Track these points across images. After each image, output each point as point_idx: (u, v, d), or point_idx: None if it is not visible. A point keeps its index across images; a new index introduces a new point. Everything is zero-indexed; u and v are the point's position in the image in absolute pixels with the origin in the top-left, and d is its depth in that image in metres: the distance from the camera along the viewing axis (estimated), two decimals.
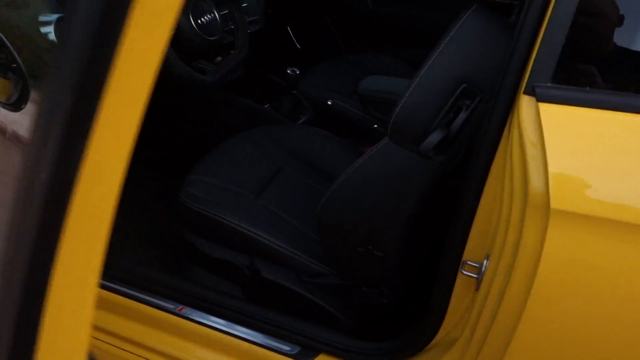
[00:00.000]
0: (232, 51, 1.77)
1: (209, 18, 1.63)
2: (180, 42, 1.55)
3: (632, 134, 0.78)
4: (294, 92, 2.03)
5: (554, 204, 0.77)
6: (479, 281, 1.03)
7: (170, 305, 1.50)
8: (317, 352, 1.36)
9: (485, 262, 1.01)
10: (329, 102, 2.03)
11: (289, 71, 1.99)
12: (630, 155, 0.78)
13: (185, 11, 1.57)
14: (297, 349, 1.38)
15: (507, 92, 0.90)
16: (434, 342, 1.20)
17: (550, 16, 0.84)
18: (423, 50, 2.58)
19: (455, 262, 1.08)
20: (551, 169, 0.78)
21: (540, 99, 0.81)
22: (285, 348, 1.39)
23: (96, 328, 1.54)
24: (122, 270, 1.56)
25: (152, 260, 1.83)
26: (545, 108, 0.80)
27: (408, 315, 1.52)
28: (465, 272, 1.05)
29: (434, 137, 1.10)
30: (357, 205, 1.26)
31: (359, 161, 1.24)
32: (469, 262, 1.05)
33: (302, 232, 1.54)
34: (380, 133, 1.99)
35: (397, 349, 1.25)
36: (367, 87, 1.89)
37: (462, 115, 1.09)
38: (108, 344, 1.53)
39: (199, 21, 1.60)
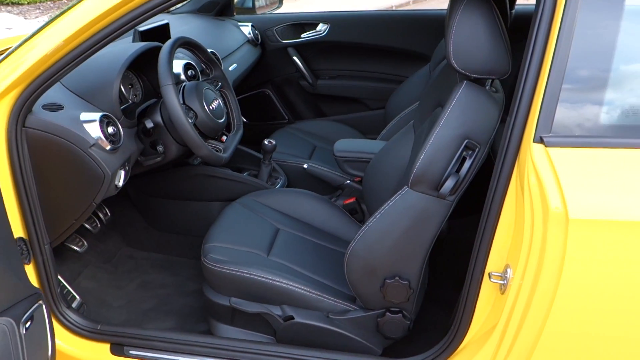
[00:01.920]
0: (231, 131, 2.02)
1: (216, 104, 1.86)
2: (197, 126, 1.76)
3: (620, 161, 1.16)
4: (270, 160, 2.29)
5: (571, 214, 1.12)
6: (504, 286, 1.35)
7: None
8: None
9: (508, 270, 1.33)
10: (305, 166, 2.31)
11: (266, 142, 2.24)
12: (619, 175, 1.16)
13: (199, 99, 1.80)
14: None
15: (516, 140, 1.26)
16: (462, 345, 1.49)
17: (547, 82, 1.21)
18: (365, 114, 3.01)
19: (480, 272, 1.39)
20: (565, 190, 1.13)
21: (548, 145, 1.17)
22: None
23: None
24: (159, 340, 1.68)
25: (174, 327, 1.94)
26: (553, 151, 1.16)
27: (425, 330, 1.80)
28: (493, 280, 1.36)
29: (450, 183, 1.42)
30: (384, 244, 1.54)
31: (382, 209, 1.53)
32: (493, 273, 1.37)
33: (316, 280, 1.77)
34: (352, 187, 2.32)
35: (431, 358, 1.52)
36: (341, 149, 2.20)
37: (467, 163, 1.43)
38: None
39: (211, 107, 1.83)
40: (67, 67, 1.40)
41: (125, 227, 2.39)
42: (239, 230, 1.93)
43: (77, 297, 1.96)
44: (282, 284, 1.69)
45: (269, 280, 1.69)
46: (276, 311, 1.71)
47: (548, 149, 1.18)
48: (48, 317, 1.45)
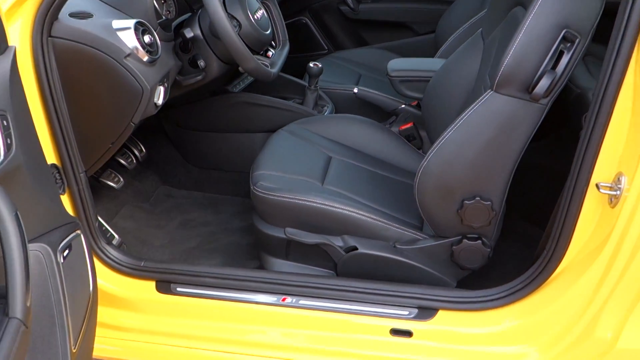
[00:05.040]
0: (276, 47, 1.81)
1: (260, 14, 1.65)
2: (241, 38, 1.56)
3: None
4: (317, 85, 2.08)
5: None
6: (616, 198, 1.14)
7: (271, 298, 1.48)
8: (435, 310, 1.41)
9: (622, 178, 1.12)
10: (355, 91, 2.10)
11: (311, 64, 2.03)
12: None
13: (243, 8, 1.59)
14: (414, 312, 1.42)
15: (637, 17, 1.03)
16: (557, 271, 1.30)
17: None
18: (413, 40, 2.76)
19: (585, 183, 1.18)
20: None
21: None
22: (404, 313, 1.42)
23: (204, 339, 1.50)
24: (208, 275, 1.53)
25: (222, 262, 1.80)
26: None
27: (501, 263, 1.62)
28: (602, 191, 1.15)
29: (545, 82, 1.20)
30: (463, 159, 1.34)
31: (460, 119, 1.32)
32: (601, 183, 1.16)
33: (378, 209, 1.58)
34: (407, 112, 2.10)
35: (522, 286, 1.33)
36: (396, 67, 1.98)
37: (565, 59, 1.20)
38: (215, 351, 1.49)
39: (255, 17, 1.62)
40: None
41: (162, 164, 2.23)
42: (288, 158, 1.74)
43: (116, 235, 1.82)
44: (343, 211, 1.50)
45: (328, 207, 1.51)
46: (337, 242, 1.53)
47: None
48: (88, 249, 1.30)
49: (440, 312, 1.41)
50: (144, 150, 2.13)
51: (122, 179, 1.95)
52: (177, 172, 2.22)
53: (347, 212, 1.50)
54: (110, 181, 1.92)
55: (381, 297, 1.43)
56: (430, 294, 1.42)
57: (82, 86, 1.40)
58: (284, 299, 1.48)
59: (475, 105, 1.29)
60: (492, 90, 1.27)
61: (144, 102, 1.38)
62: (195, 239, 1.95)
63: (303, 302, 1.46)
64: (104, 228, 1.78)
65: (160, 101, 1.45)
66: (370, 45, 2.77)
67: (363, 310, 1.43)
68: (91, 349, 1.29)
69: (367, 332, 1.43)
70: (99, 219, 1.68)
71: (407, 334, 1.41)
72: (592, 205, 1.21)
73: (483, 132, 1.30)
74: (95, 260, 1.54)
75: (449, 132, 1.33)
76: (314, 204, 1.51)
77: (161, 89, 1.44)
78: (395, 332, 1.41)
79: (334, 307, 1.45)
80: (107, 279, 1.55)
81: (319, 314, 1.45)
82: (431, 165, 1.37)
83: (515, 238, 1.84)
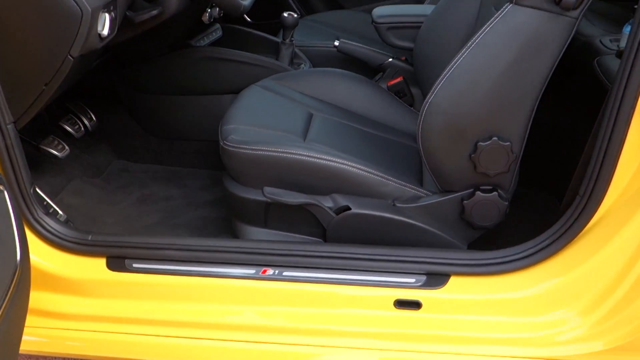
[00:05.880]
0: None
1: None
2: None
3: None
4: (292, 39, 1.83)
5: None
6: None
7: (249, 271, 1.23)
8: (447, 276, 1.18)
9: None
10: (336, 43, 1.85)
11: (286, 14, 1.79)
12: None
13: None
14: (422, 279, 1.18)
15: None
16: (596, 218, 1.08)
17: None
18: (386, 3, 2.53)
19: (630, 108, 0.97)
20: None
21: None
22: (410, 281, 1.18)
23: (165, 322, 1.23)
24: (171, 247, 1.26)
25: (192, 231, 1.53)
26: None
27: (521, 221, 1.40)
28: None
29: None
30: (478, 90, 1.11)
31: (473, 41, 1.10)
32: None
33: (371, 164, 1.35)
34: (396, 66, 1.88)
35: (551, 240, 1.11)
36: (382, 14, 1.75)
37: None
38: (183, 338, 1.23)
39: None
40: None
41: (116, 135, 1.94)
42: (263, 112, 1.49)
43: (60, 211, 1.53)
44: (332, 164, 1.26)
45: (314, 160, 1.26)
46: (325, 202, 1.29)
47: None
48: (15, 213, 1.02)
49: (453, 278, 1.17)
50: (94, 118, 1.84)
51: (67, 147, 1.66)
52: (133, 143, 1.93)
53: (337, 164, 1.26)
54: (52, 149, 1.62)
55: (381, 264, 1.19)
56: (440, 257, 1.18)
57: (6, 12, 1.12)
58: (264, 271, 1.22)
59: (492, 22, 1.07)
60: (511, 2, 1.05)
61: (84, 29, 1.11)
62: (156, 215, 1.67)
63: (287, 273, 1.21)
64: (45, 203, 1.49)
65: (105, 32, 1.18)
66: (347, 9, 2.54)
67: (360, 280, 1.19)
68: (18, 338, 1.01)
69: (366, 305, 1.19)
70: (38, 190, 1.39)
71: (415, 305, 1.17)
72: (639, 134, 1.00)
73: (502, 55, 1.08)
74: (30, 234, 1.26)
75: (460, 57, 1.10)
76: (297, 156, 1.27)
77: (106, 16, 1.17)
78: (401, 303, 1.17)
79: (324, 278, 1.20)
80: (46, 257, 1.27)
81: (307, 287, 1.20)
82: (439, 100, 1.14)
83: (518, 204, 1.64)
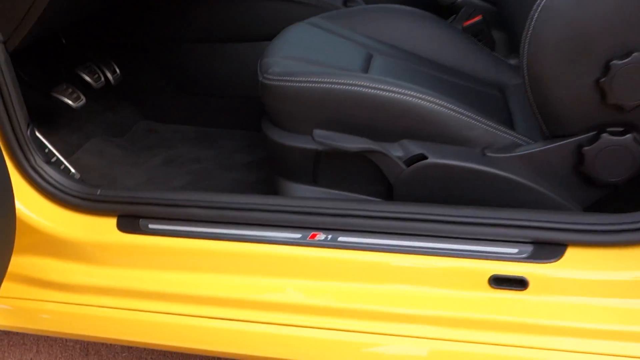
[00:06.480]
0: None
1: None
2: None
3: None
4: None
5: None
6: None
7: (294, 235, 0.95)
8: (563, 246, 0.87)
9: None
10: None
11: None
12: None
13: None
14: (528, 250, 0.87)
15: None
16: None
17: None
18: None
19: None
20: None
21: None
22: (511, 252, 0.88)
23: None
24: (197, 204, 0.99)
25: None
26: None
27: None
28: None
29: None
30: None
31: None
32: None
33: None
34: (471, 4, 1.56)
35: None
36: None
37: None
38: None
39: None
40: None
41: (142, 92, 1.69)
42: (312, 48, 1.21)
43: (73, 169, 1.29)
44: (406, 97, 0.97)
45: (381, 93, 0.97)
46: (393, 150, 0.99)
47: None
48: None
49: (571, 249, 0.86)
50: (117, 71, 1.61)
51: (83, 98, 1.43)
52: (162, 101, 1.68)
53: (410, 99, 0.96)
54: (65, 97, 1.39)
55: (472, 228, 0.89)
56: (554, 220, 0.87)
57: None
58: (313, 236, 0.94)
59: None
60: None
61: None
62: (183, 177, 1.41)
63: (344, 239, 0.92)
64: (55, 159, 1.26)
65: None
66: None
67: (443, 249, 0.89)
68: None
69: (450, 284, 0.88)
70: (39, 135, 1.16)
71: (518, 283, 0.86)
72: None
73: None
74: (24, 185, 1.02)
75: None
76: (358, 88, 0.98)
77: None
78: (499, 281, 0.87)
79: (392, 245, 0.91)
80: (44, 213, 1.02)
81: (369, 257, 0.91)
82: (556, 1, 0.83)
83: None
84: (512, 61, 1.41)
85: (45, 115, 1.46)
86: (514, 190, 0.96)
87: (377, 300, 0.91)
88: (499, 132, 0.98)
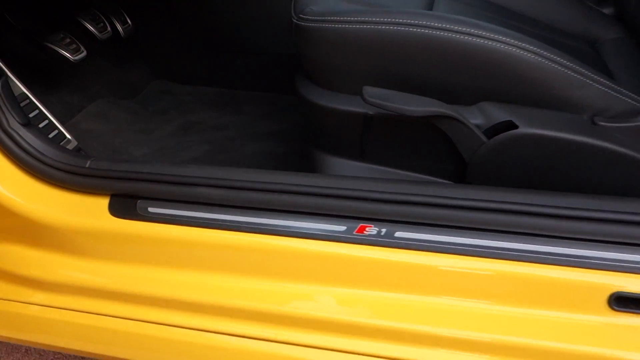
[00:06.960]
0: None
1: None
2: None
3: None
4: None
5: None
6: None
7: (336, 227, 0.71)
8: None
9: None
10: None
11: None
12: None
13: None
14: None
15: None
16: None
17: None
18: None
19: None
20: None
21: None
22: None
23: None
24: (211, 183, 0.76)
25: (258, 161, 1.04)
26: None
27: None
28: None
29: None
30: None
31: None
32: None
33: None
34: None
35: None
36: None
37: None
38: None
39: None
40: None
41: (156, 47, 1.47)
42: None
43: (69, 135, 1.07)
44: (492, 43, 0.71)
45: (455, 36, 0.71)
46: (470, 116, 0.74)
47: None
48: None
49: None
50: (129, 22, 1.38)
51: (83, 49, 1.21)
52: (178, 58, 1.45)
53: (500, 45, 0.71)
54: (61, 48, 1.17)
55: (586, 225, 0.64)
56: None
57: None
58: (361, 229, 0.70)
59: None
60: None
61: None
62: (200, 147, 1.19)
63: (402, 234, 0.68)
64: (47, 123, 1.04)
65: None
66: None
67: (544, 253, 0.64)
68: None
69: (553, 304, 0.64)
70: (27, 92, 0.94)
71: None
72: None
73: None
74: None
75: None
76: (424, 30, 0.72)
77: None
78: (624, 301, 0.62)
79: (473, 246, 0.67)
80: (18, 190, 0.81)
81: (438, 260, 0.67)
82: None
83: None
84: (607, 10, 1.14)
85: (42, 71, 1.25)
86: (635, 173, 0.71)
87: (447, 322, 0.67)
88: (616, 95, 0.72)
